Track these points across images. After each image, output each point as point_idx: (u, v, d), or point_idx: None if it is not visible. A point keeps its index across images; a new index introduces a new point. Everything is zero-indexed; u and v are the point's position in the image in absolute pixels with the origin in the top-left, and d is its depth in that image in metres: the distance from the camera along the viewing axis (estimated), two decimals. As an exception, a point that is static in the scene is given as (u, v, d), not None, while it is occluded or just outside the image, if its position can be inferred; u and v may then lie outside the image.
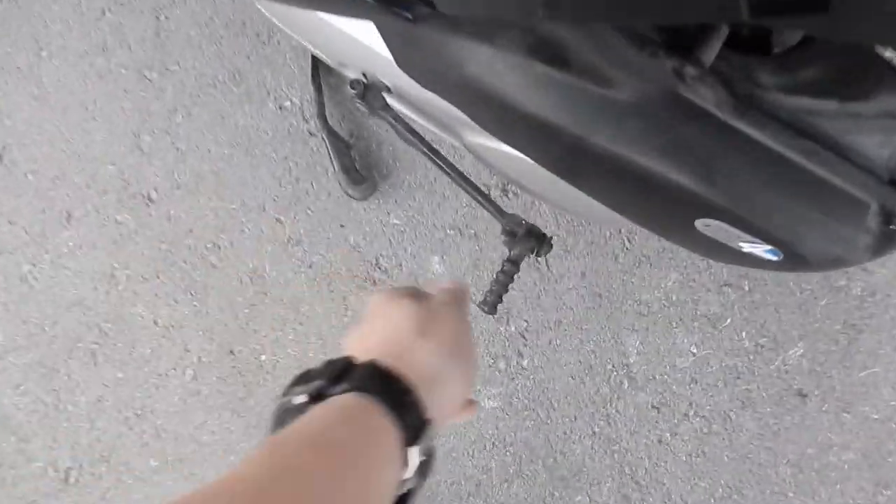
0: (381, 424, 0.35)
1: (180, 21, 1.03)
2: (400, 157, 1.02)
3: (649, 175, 0.49)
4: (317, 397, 0.36)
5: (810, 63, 0.48)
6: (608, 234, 1.01)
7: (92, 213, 1.07)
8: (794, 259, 0.50)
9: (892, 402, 1.01)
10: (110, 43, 1.03)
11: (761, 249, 0.51)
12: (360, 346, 0.41)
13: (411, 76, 0.56)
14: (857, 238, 0.48)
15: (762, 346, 1.01)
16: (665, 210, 0.53)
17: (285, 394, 0.37)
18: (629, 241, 1.01)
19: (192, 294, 1.09)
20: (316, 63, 0.99)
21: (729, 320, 1.01)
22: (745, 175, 0.48)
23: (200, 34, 1.02)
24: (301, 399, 0.36)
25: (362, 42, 0.61)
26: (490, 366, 1.06)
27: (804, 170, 0.47)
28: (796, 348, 1.01)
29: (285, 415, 0.36)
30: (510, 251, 0.69)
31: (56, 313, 1.11)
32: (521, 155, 0.59)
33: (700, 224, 0.51)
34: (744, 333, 1.01)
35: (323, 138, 0.99)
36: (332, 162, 0.99)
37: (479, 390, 1.06)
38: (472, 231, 1.03)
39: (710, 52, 0.45)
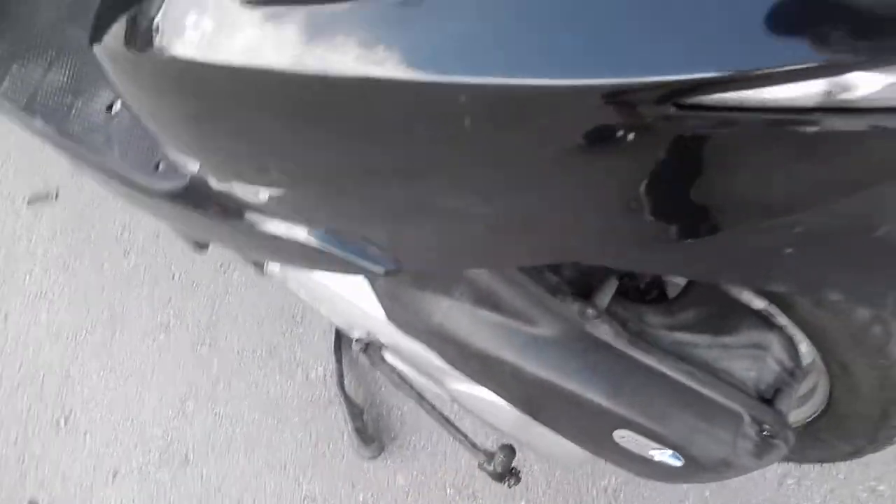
0: None
1: (232, 306, 1.25)
2: (406, 420, 1.16)
3: (573, 395, 0.63)
4: None
5: (688, 308, 0.64)
6: (595, 492, 1.09)
7: (136, 471, 1.20)
8: (691, 463, 0.61)
9: None
10: (172, 323, 1.26)
11: (667, 455, 0.62)
12: None
13: (398, 326, 0.74)
14: (738, 443, 0.60)
15: None
16: (588, 425, 0.66)
17: None
18: (615, 499, 1.08)
19: (214, 552, 1.16)
20: (339, 338, 1.18)
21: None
22: (643, 392, 0.61)
23: (246, 316, 1.25)
24: None
25: (362, 307, 0.79)
26: None
27: (688, 388, 0.60)
28: None
29: None
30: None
31: (92, 566, 1.19)
32: (485, 396, 0.74)
33: (617, 436, 0.63)
34: None
35: (340, 403, 1.14)
36: (346, 424, 1.13)
37: None
38: (471, 490, 1.12)
39: (605, 297, 0.62)
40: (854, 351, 0.61)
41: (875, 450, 0.77)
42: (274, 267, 0.91)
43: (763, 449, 0.60)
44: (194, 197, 0.68)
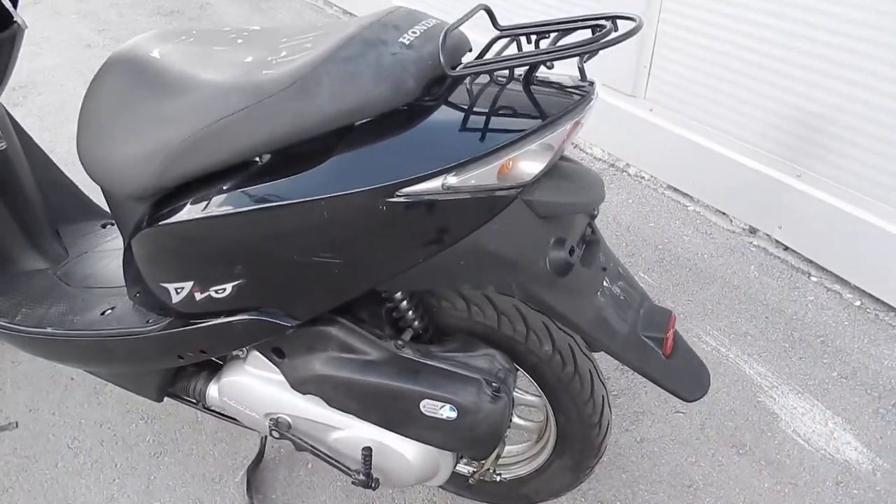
0: None
1: (164, 479, 1.66)
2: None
3: (395, 389, 1.17)
4: None
5: (451, 343, 1.23)
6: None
7: None
8: (461, 410, 1.13)
9: None
10: (116, 496, 1.63)
11: (448, 409, 1.14)
12: None
13: (296, 388, 1.25)
14: (480, 395, 1.14)
15: None
16: (406, 407, 1.17)
17: None
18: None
19: None
20: (249, 481, 1.61)
21: None
22: (431, 378, 1.16)
23: (176, 483, 1.65)
24: None
25: (273, 388, 1.30)
26: None
27: (451, 371, 1.16)
28: None
29: None
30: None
31: None
32: (350, 434, 1.25)
33: (422, 406, 1.16)
34: None
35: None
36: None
37: None
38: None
39: (407, 336, 1.20)
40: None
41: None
42: (213, 392, 1.42)
43: (494, 398, 1.15)
44: (178, 321, 1.24)
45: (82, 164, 1.23)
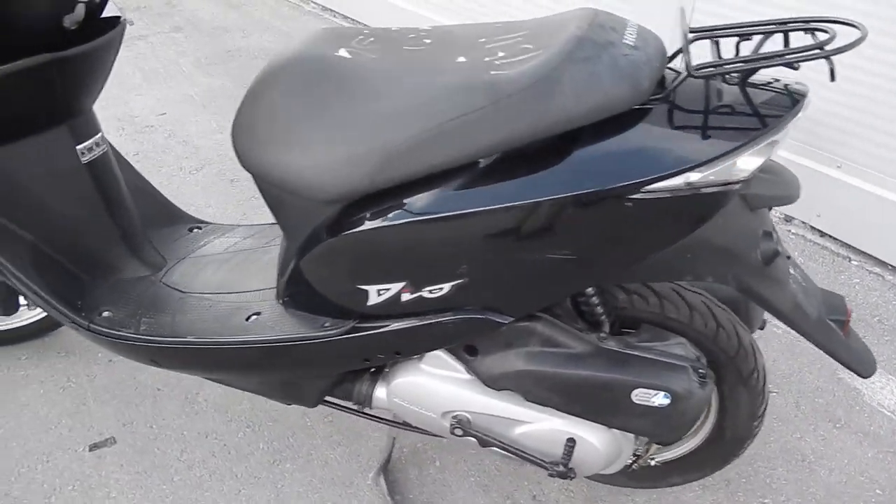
0: None
1: (292, 487, 1.64)
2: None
3: (603, 380, 1.20)
4: None
5: (645, 332, 1.27)
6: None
7: None
8: (674, 396, 1.18)
9: None
10: None
11: (661, 396, 1.19)
12: None
13: (490, 384, 1.27)
14: (690, 382, 1.19)
15: None
16: (617, 397, 1.21)
17: None
18: None
19: None
20: (385, 478, 1.61)
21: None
22: (639, 366, 1.20)
23: (307, 491, 1.63)
24: None
25: (456, 387, 1.31)
26: None
27: (656, 360, 1.21)
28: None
29: None
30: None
31: None
32: (539, 427, 1.28)
33: (634, 395, 1.20)
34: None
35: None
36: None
37: None
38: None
39: (606, 328, 1.24)
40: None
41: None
42: (381, 394, 1.41)
43: (701, 384, 1.20)
44: (368, 323, 1.22)
45: (252, 169, 1.21)
